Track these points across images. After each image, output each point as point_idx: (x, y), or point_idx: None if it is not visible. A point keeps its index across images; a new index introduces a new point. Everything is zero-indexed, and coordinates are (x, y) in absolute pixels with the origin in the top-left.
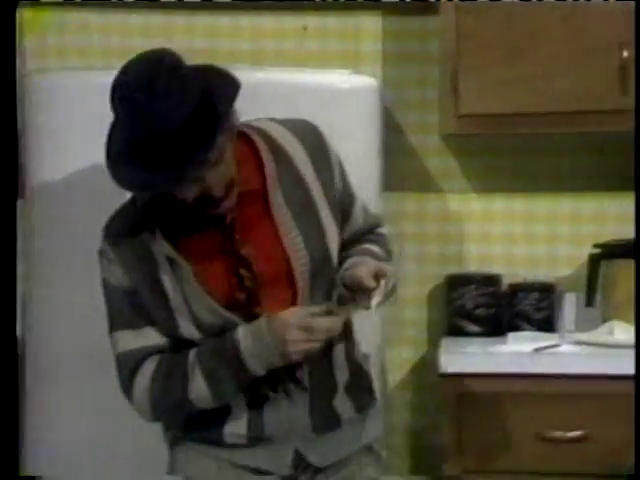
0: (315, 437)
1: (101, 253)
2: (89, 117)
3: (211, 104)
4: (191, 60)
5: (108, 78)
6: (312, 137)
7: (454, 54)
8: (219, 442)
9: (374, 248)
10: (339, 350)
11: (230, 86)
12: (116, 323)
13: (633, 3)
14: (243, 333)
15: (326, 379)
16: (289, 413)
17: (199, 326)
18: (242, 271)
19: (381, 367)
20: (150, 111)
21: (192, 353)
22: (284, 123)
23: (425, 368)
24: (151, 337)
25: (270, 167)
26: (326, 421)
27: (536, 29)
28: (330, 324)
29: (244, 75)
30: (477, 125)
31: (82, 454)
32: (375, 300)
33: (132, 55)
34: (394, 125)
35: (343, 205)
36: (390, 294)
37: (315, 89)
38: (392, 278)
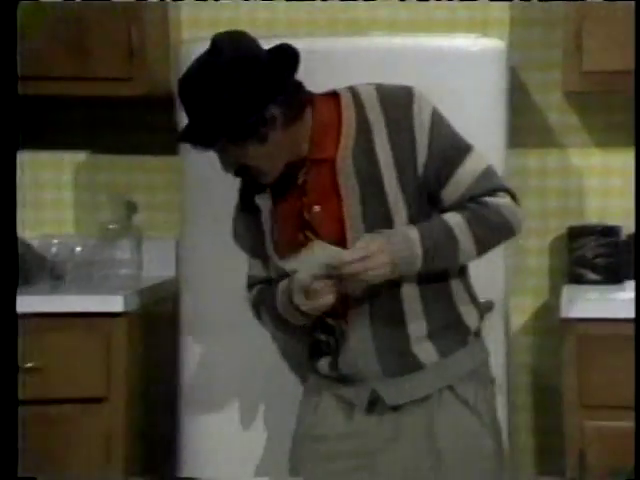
0: (389, 379)
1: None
2: None
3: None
4: (333, 27)
5: None
6: (399, 104)
7: (578, 11)
8: (320, 374)
9: (450, 218)
10: (412, 300)
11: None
12: (247, 251)
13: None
14: (281, 288)
15: (395, 328)
16: (356, 358)
17: (276, 270)
18: (307, 232)
19: (505, 313)
20: (184, 94)
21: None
22: (379, 88)
23: (547, 314)
24: (259, 269)
25: (347, 133)
26: (400, 366)
27: None
28: (318, 287)
29: (381, 41)
30: (598, 82)
31: (234, 393)
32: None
33: (275, 27)
34: (519, 84)
35: (432, 174)
36: (374, 271)
37: (446, 53)
38: (376, 256)
